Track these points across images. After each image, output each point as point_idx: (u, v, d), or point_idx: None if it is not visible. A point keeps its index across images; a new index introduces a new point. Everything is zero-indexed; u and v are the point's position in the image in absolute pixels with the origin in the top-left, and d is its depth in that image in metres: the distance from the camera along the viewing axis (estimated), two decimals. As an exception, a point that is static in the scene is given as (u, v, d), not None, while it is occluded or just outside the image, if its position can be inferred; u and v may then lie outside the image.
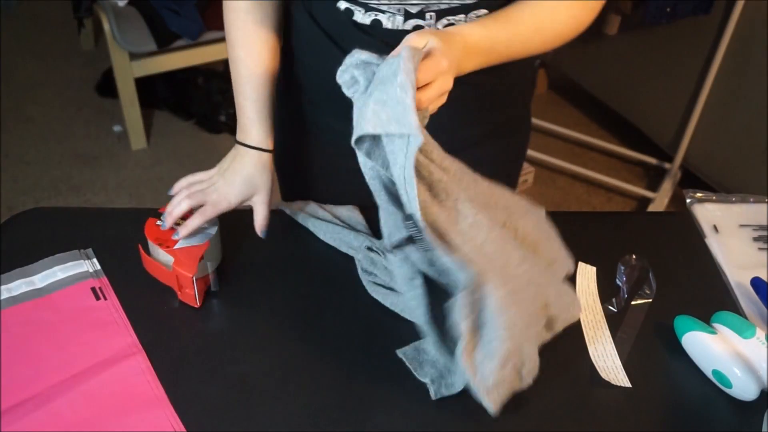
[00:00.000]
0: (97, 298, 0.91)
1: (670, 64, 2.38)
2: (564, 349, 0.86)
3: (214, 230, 0.94)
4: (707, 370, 0.85)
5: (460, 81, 0.79)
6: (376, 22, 0.87)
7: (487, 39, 0.81)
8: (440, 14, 0.86)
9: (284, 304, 0.91)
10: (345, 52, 0.88)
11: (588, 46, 2.64)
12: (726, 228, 1.08)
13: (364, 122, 0.69)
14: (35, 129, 2.66)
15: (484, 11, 0.87)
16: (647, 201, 2.44)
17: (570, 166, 2.53)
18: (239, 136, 0.96)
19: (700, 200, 1.13)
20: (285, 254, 0.99)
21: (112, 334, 0.86)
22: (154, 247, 0.91)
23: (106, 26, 2.34)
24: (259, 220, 0.96)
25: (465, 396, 0.80)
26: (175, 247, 0.90)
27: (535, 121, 2.74)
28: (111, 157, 2.56)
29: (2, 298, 0.89)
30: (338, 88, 0.96)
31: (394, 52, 0.72)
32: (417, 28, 0.87)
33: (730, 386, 0.82)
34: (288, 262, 0.98)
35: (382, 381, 0.80)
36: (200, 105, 2.67)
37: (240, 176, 0.94)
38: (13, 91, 2.85)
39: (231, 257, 0.98)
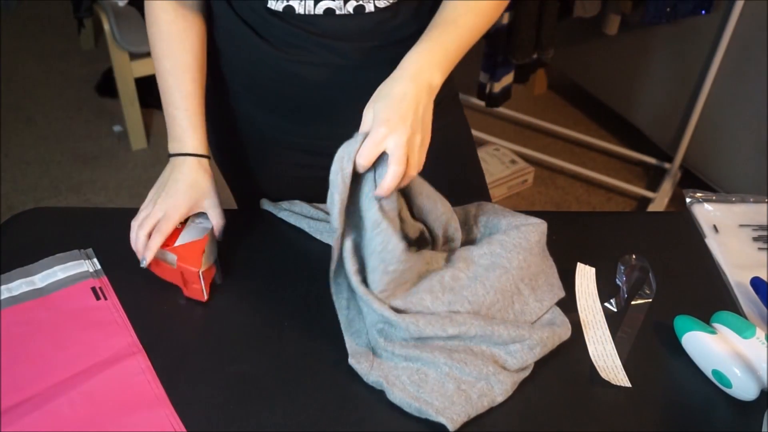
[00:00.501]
0: (98, 297, 0.91)
1: (670, 64, 2.38)
2: (564, 349, 0.86)
3: (208, 223, 0.94)
4: (707, 370, 0.85)
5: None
6: (289, 8, 0.89)
7: (439, 46, 0.84)
8: None
9: (284, 304, 0.91)
10: (263, 39, 0.91)
11: (588, 46, 2.64)
12: (726, 228, 1.08)
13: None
14: (35, 129, 2.66)
15: None
16: (647, 201, 2.44)
17: (570, 166, 2.53)
18: (173, 148, 0.98)
19: (700, 200, 1.13)
20: (284, 254, 0.99)
21: (112, 333, 0.86)
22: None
23: (106, 26, 2.34)
24: (217, 224, 0.96)
25: (465, 396, 0.80)
26: (176, 244, 0.91)
27: (535, 121, 2.74)
28: (111, 157, 2.56)
29: (2, 297, 0.89)
30: (258, 77, 0.99)
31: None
32: (328, 11, 0.88)
33: (730, 386, 0.82)
34: (288, 262, 0.97)
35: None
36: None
37: (183, 184, 0.94)
38: (13, 91, 2.85)
39: (230, 258, 0.98)
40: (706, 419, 0.81)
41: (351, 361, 0.82)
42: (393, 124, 0.77)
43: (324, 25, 0.90)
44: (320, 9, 0.87)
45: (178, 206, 0.93)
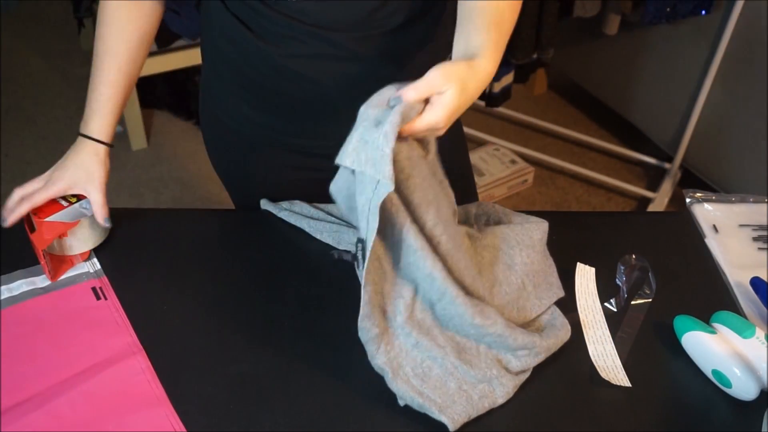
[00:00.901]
0: (98, 297, 0.91)
1: (670, 64, 2.38)
2: (564, 348, 0.86)
3: (91, 212, 0.95)
4: (707, 369, 0.85)
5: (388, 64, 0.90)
6: None
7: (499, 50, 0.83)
8: None
9: (284, 304, 0.91)
10: (254, 33, 0.94)
11: (588, 46, 2.64)
12: (726, 228, 1.08)
13: (344, 155, 0.73)
14: (35, 129, 2.66)
15: None
16: (647, 201, 2.44)
17: (570, 166, 2.53)
18: (81, 127, 1.00)
19: (700, 200, 1.13)
20: (284, 254, 0.99)
21: (112, 333, 0.86)
22: (30, 216, 0.94)
23: (106, 26, 2.34)
24: (97, 209, 0.95)
25: (465, 396, 0.80)
26: (47, 219, 0.92)
27: (535, 121, 2.74)
28: (111, 157, 2.56)
29: (3, 297, 0.89)
30: (251, 74, 0.99)
31: (392, 93, 0.75)
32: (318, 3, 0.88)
33: (729, 386, 0.82)
34: (288, 262, 0.97)
35: (382, 380, 0.80)
36: (200, 105, 2.67)
37: (72, 162, 0.97)
38: (14, 90, 2.85)
39: (230, 257, 0.98)
40: (706, 419, 0.81)
41: (362, 333, 0.79)
42: (460, 83, 0.75)
43: (315, 14, 0.90)
44: None
45: (57, 181, 0.96)
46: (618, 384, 0.83)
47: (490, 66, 0.80)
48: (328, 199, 0.99)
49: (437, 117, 0.74)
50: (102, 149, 0.99)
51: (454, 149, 1.16)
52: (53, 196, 0.95)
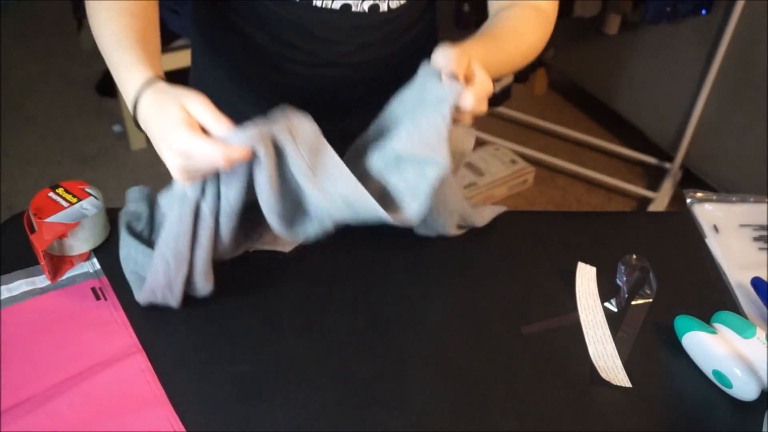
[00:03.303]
0: (97, 297, 0.91)
1: (670, 64, 2.38)
2: (564, 348, 0.86)
3: (91, 211, 0.94)
4: (707, 370, 0.85)
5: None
6: (307, 1, 0.87)
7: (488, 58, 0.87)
8: None
9: (284, 304, 0.91)
10: (262, 34, 0.92)
11: (588, 46, 2.63)
12: (726, 228, 1.08)
13: (397, 139, 0.79)
14: (35, 129, 2.66)
15: None
16: (647, 201, 2.44)
17: (570, 166, 2.53)
18: (131, 108, 0.75)
19: (701, 200, 1.13)
20: (284, 254, 0.99)
21: (112, 333, 0.86)
22: (31, 216, 0.93)
23: (106, 26, 2.34)
24: (212, 117, 0.73)
25: (465, 396, 0.80)
26: (47, 219, 0.91)
27: (535, 120, 2.74)
28: (111, 157, 2.56)
29: (2, 297, 0.89)
30: (249, 72, 0.98)
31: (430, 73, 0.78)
32: (345, 7, 0.88)
33: (730, 386, 0.82)
34: (287, 260, 0.97)
35: (383, 380, 0.80)
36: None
37: (155, 110, 0.73)
38: (13, 91, 2.85)
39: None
40: (706, 419, 0.81)
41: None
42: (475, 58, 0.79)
43: (335, 21, 0.90)
44: (337, 5, 0.87)
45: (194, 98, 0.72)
46: (618, 384, 0.83)
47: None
48: None
49: (486, 81, 0.79)
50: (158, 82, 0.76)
51: None
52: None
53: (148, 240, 0.92)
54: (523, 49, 0.90)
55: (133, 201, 0.93)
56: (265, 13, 0.92)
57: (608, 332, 0.90)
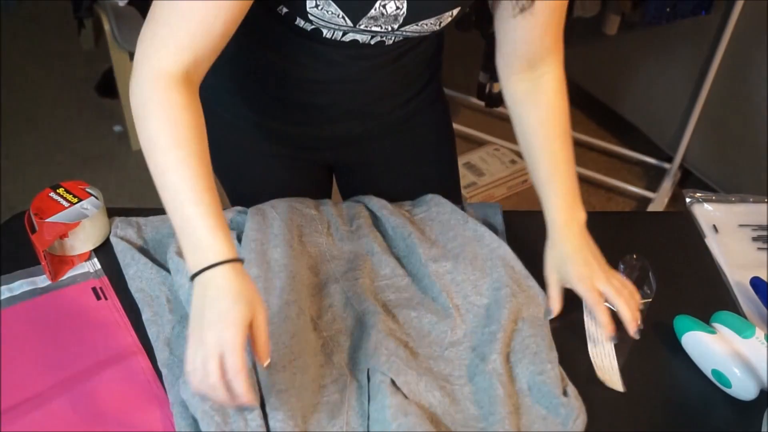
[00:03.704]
0: (98, 297, 0.91)
1: (670, 64, 2.37)
2: (564, 348, 0.86)
3: (91, 211, 0.94)
4: (707, 369, 0.85)
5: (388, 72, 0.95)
6: (317, 31, 0.87)
7: (570, 181, 0.95)
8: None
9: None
10: (268, 47, 0.93)
11: (588, 46, 2.63)
12: (726, 228, 1.08)
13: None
14: (35, 129, 2.66)
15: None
16: (647, 201, 2.44)
17: (570, 166, 2.53)
18: (195, 260, 0.71)
19: (700, 200, 1.13)
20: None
21: (113, 333, 0.86)
22: (31, 216, 0.93)
23: (107, 26, 2.34)
24: (263, 345, 0.71)
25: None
26: (48, 219, 0.92)
27: (535, 121, 2.74)
28: (111, 157, 2.55)
29: (3, 297, 0.89)
30: (256, 82, 0.99)
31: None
32: (354, 43, 0.88)
33: (729, 386, 0.82)
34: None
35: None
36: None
37: (230, 292, 0.70)
38: (14, 91, 2.85)
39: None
40: (705, 419, 0.81)
41: None
42: (592, 275, 0.88)
43: (344, 50, 0.91)
44: (347, 38, 0.88)
45: (237, 328, 0.68)
46: (611, 387, 0.83)
47: (582, 210, 0.94)
48: (319, 193, 1.00)
49: (627, 306, 0.86)
50: (240, 266, 0.72)
51: (440, 143, 1.18)
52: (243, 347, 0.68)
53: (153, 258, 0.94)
54: (569, 134, 0.97)
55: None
56: (276, 33, 0.92)
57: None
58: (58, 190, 0.96)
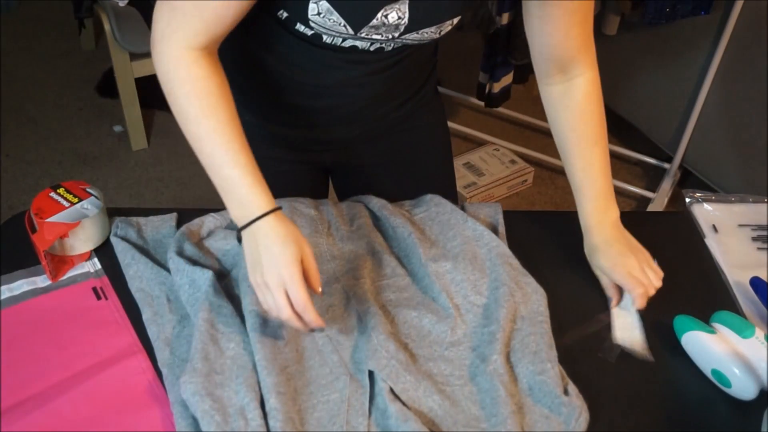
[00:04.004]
0: (98, 297, 0.91)
1: (670, 64, 2.37)
2: (564, 348, 0.86)
3: (91, 211, 0.94)
4: (706, 369, 0.85)
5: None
6: (317, 36, 0.87)
7: (600, 184, 0.98)
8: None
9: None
10: (270, 52, 0.93)
11: (588, 46, 2.63)
12: (725, 228, 1.08)
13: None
14: (35, 129, 2.66)
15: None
16: (647, 201, 2.44)
17: (570, 166, 2.53)
18: (242, 215, 0.80)
19: (700, 200, 1.13)
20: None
21: (113, 333, 0.86)
22: (32, 216, 0.93)
23: (107, 26, 2.34)
24: (315, 276, 0.80)
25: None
26: (47, 219, 0.92)
27: (534, 121, 2.74)
28: (111, 157, 2.55)
29: (3, 297, 0.89)
30: (259, 88, 1.00)
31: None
32: (353, 48, 0.88)
33: (729, 386, 0.82)
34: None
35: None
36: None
37: (278, 237, 0.78)
38: (13, 91, 2.85)
39: (231, 257, 0.98)
40: (705, 419, 0.82)
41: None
42: (626, 263, 0.93)
43: (343, 55, 0.91)
44: (347, 44, 0.88)
45: (290, 265, 0.77)
46: (639, 356, 0.87)
47: (615, 209, 0.98)
48: (315, 195, 1.01)
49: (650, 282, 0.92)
50: (281, 214, 0.81)
51: (436, 143, 1.18)
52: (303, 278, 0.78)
53: (154, 258, 0.94)
54: (602, 136, 1.00)
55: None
56: (275, 36, 0.92)
57: (637, 317, 0.93)
58: (58, 190, 0.96)
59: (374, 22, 0.82)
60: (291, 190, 1.06)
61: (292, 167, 1.11)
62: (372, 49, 0.89)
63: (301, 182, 1.13)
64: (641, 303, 0.91)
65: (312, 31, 0.86)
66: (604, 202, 0.97)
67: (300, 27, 0.86)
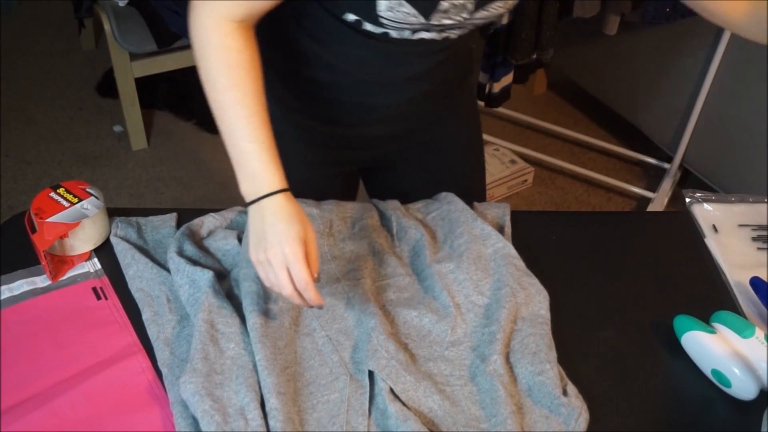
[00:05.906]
0: (98, 297, 0.91)
1: (670, 64, 2.38)
2: (564, 348, 0.87)
3: (92, 211, 0.94)
4: (706, 369, 0.85)
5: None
6: (385, 34, 0.88)
7: None
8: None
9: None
10: (318, 43, 0.92)
11: (587, 46, 2.63)
12: (725, 228, 1.08)
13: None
14: (35, 129, 2.66)
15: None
16: (647, 201, 2.44)
17: (569, 166, 2.53)
18: (252, 190, 0.81)
19: (700, 200, 1.13)
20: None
21: (113, 333, 0.86)
22: (32, 216, 0.93)
23: (107, 26, 2.34)
24: (314, 259, 0.81)
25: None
26: (47, 219, 0.92)
27: (534, 121, 2.74)
28: (111, 157, 2.55)
29: (3, 297, 0.89)
30: (309, 87, 0.98)
31: None
32: (422, 41, 0.89)
33: (729, 386, 0.82)
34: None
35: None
36: (201, 105, 2.66)
37: (285, 216, 0.80)
38: (14, 91, 2.85)
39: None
40: (705, 419, 0.82)
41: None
42: None
43: (410, 48, 0.91)
44: (416, 36, 0.89)
45: (293, 242, 0.79)
46: None
47: None
48: (345, 195, 1.01)
49: None
50: (290, 195, 0.83)
51: (471, 141, 1.18)
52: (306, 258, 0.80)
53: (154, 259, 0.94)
54: None
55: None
56: (336, 35, 0.91)
57: None
58: (58, 190, 0.96)
59: (444, 4, 0.82)
60: (324, 192, 1.05)
61: (328, 170, 1.10)
62: (440, 38, 0.89)
63: (334, 183, 1.13)
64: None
65: (381, 29, 0.86)
66: None
67: (368, 26, 0.86)
